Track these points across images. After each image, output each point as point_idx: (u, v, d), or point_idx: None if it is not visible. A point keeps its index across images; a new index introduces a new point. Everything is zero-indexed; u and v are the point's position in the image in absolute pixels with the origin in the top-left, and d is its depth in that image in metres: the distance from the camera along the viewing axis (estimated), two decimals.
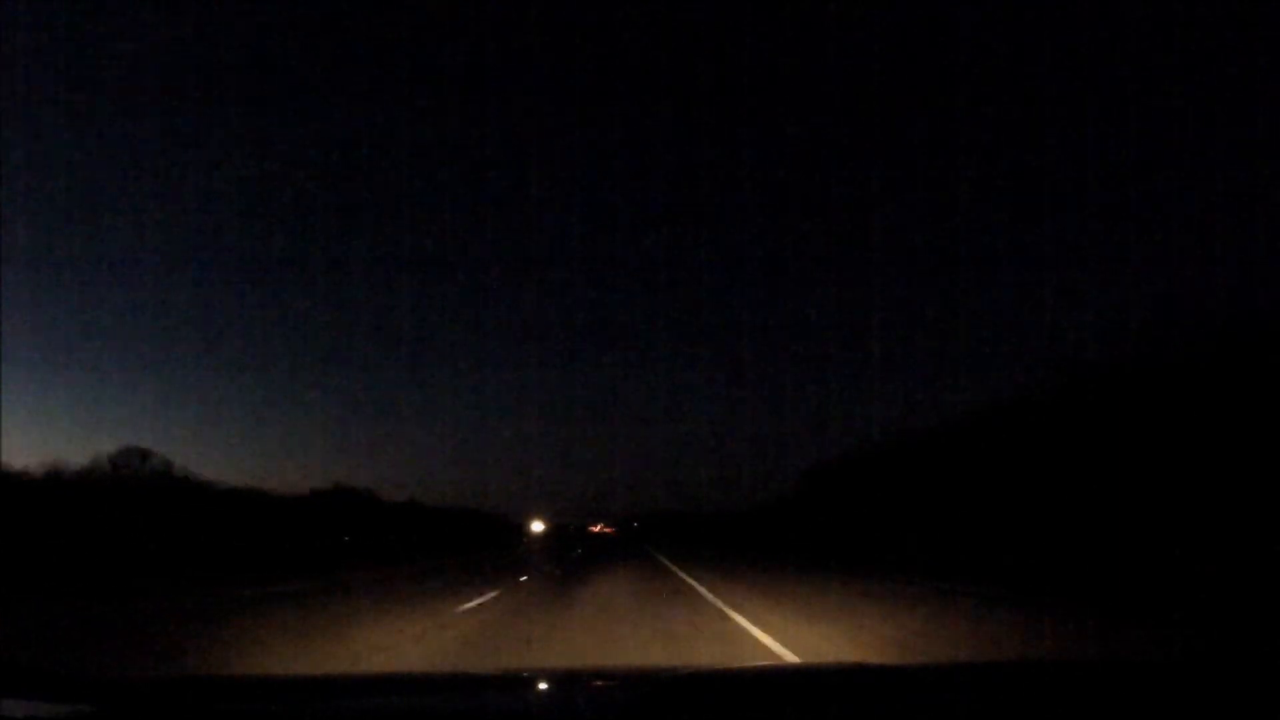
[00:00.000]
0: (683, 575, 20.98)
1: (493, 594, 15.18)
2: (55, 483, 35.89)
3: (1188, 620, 9.83)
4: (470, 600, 13.72)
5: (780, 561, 28.61)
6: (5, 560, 20.41)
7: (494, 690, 2.60)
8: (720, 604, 12.67)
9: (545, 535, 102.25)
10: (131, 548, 28.14)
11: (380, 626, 10.06)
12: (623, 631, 9.66)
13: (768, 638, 8.79)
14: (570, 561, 32.37)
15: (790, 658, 7.57)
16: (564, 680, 2.87)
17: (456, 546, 51.21)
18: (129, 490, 38.99)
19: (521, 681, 2.94)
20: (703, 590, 15.57)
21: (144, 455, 44.23)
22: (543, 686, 2.68)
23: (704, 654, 7.96)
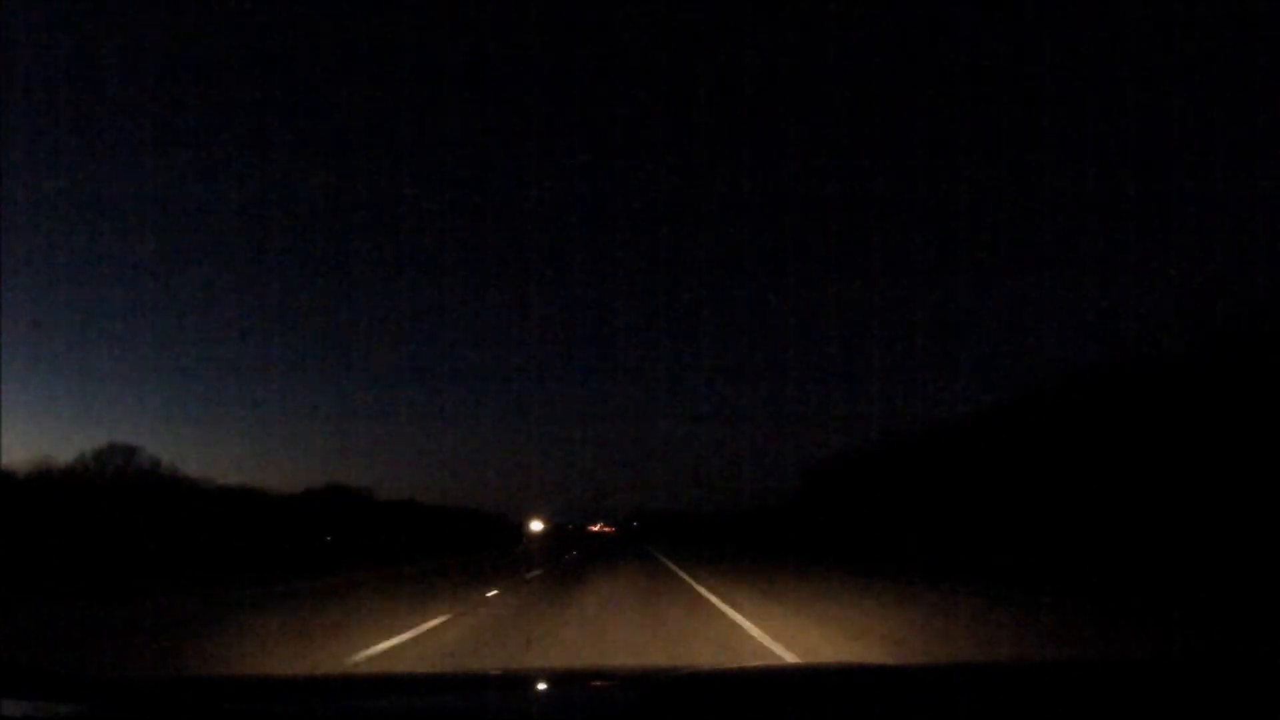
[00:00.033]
0: (682, 575, 20.99)
1: (492, 593, 15.19)
2: (45, 480, 35.86)
3: (1188, 620, 9.83)
4: (469, 600, 13.72)
5: (780, 561, 28.63)
6: (2, 560, 20.41)
7: (494, 690, 2.60)
8: (720, 604, 12.67)
9: (545, 535, 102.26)
10: (126, 547, 28.09)
11: (380, 627, 10.06)
12: (622, 631, 9.67)
13: (767, 637, 8.79)
14: (570, 561, 32.38)
15: (790, 658, 7.57)
16: (564, 680, 2.87)
17: (456, 546, 51.20)
18: (119, 488, 38.83)
19: (521, 681, 2.94)
20: (702, 590, 15.58)
21: (129, 452, 43.92)
22: (542, 686, 2.68)
23: (704, 654, 7.96)
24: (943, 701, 2.26)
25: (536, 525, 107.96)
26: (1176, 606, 10.92)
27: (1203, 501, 15.08)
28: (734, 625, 10.10)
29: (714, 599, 13.59)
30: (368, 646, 8.33)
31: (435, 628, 10.08)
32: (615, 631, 9.70)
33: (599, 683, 2.92)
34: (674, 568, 25.35)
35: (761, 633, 9.19)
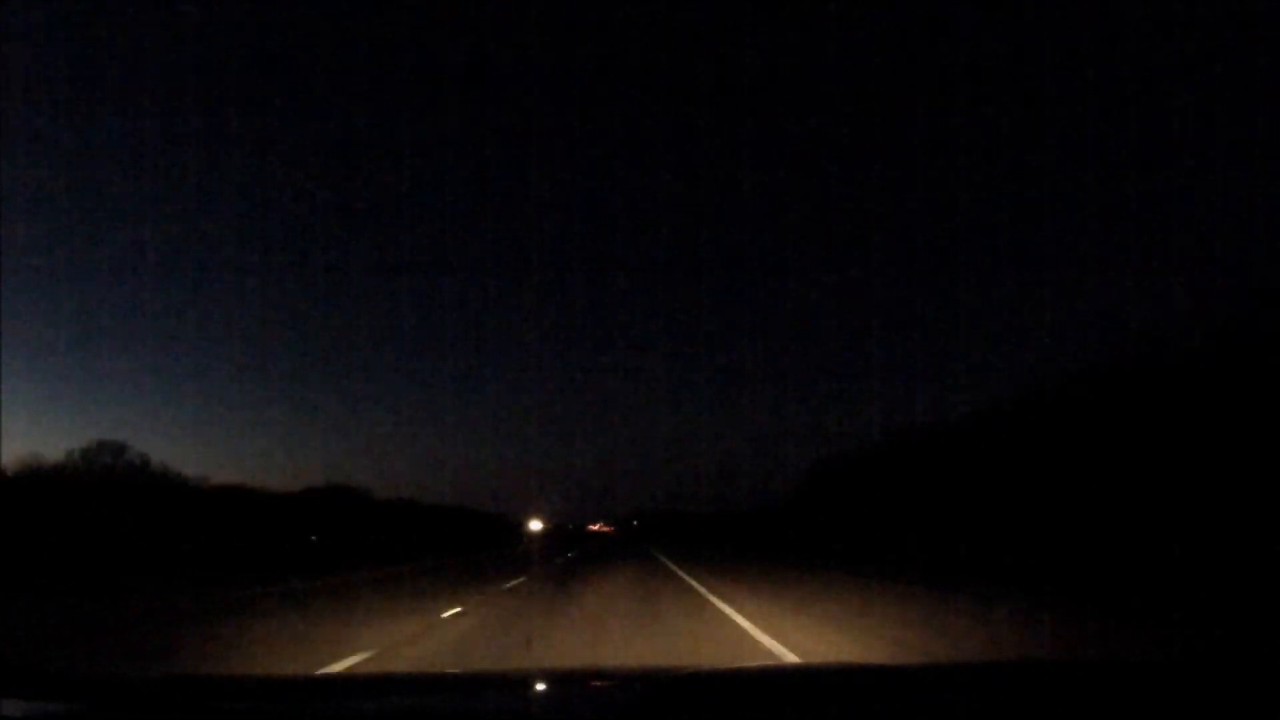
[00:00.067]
0: (682, 574, 20.97)
1: (492, 593, 15.19)
2: (34, 478, 35.84)
3: (1188, 620, 9.82)
4: (470, 600, 13.72)
5: (781, 561, 28.61)
6: None
7: (494, 690, 2.60)
8: (720, 604, 12.67)
9: (544, 535, 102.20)
10: (119, 545, 28.06)
11: (379, 627, 10.05)
12: (622, 631, 9.66)
13: (767, 637, 8.79)
14: (569, 561, 32.36)
15: (790, 658, 7.57)
16: (563, 680, 2.87)
17: (455, 546, 51.18)
18: (110, 486, 38.76)
19: (521, 681, 2.94)
20: (702, 590, 15.57)
21: (118, 450, 43.85)
22: (542, 686, 2.68)
23: (703, 654, 7.96)
24: (943, 701, 2.26)
25: (536, 525, 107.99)
26: (1176, 606, 10.91)
27: (1203, 501, 15.08)
28: (734, 625, 10.09)
29: (714, 599, 13.58)
30: (369, 647, 8.32)
31: (435, 628, 10.08)
32: (615, 631, 9.70)
33: (599, 683, 2.92)
34: (674, 567, 25.34)
35: (761, 632, 9.19)
